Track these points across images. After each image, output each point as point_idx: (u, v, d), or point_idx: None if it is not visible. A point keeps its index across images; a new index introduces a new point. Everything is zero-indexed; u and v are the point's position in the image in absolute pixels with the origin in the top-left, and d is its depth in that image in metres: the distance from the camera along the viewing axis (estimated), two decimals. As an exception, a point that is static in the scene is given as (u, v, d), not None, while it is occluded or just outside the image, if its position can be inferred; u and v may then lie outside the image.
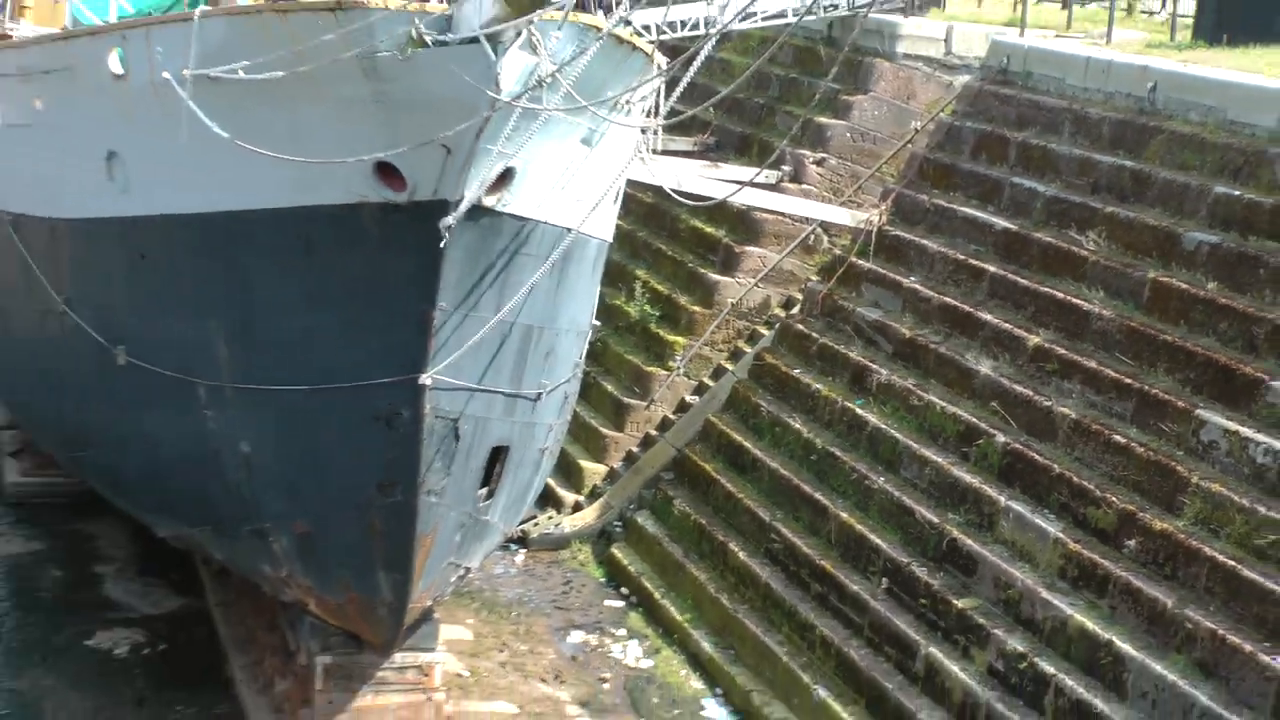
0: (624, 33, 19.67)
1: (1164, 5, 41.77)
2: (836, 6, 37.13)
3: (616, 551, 34.01)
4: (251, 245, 21.80)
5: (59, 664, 29.05)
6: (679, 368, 36.00)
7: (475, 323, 20.74)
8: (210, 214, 22.27)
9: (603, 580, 33.63)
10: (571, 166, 20.73)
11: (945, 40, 36.86)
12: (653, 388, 36.06)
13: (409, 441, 21.09)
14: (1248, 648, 20.88)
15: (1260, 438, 23.28)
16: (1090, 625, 23.07)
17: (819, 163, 36.77)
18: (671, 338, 36.55)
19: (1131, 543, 23.73)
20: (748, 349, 35.39)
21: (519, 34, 17.85)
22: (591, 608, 32.37)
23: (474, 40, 17.90)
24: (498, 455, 22.87)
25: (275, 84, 19.55)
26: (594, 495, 35.48)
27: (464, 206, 19.46)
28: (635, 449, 35.70)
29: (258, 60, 19.56)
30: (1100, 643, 22.73)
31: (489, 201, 19.84)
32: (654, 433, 35.74)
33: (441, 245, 19.62)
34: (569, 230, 21.50)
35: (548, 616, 31.76)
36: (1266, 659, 20.61)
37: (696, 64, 18.56)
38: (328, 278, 21.17)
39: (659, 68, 20.62)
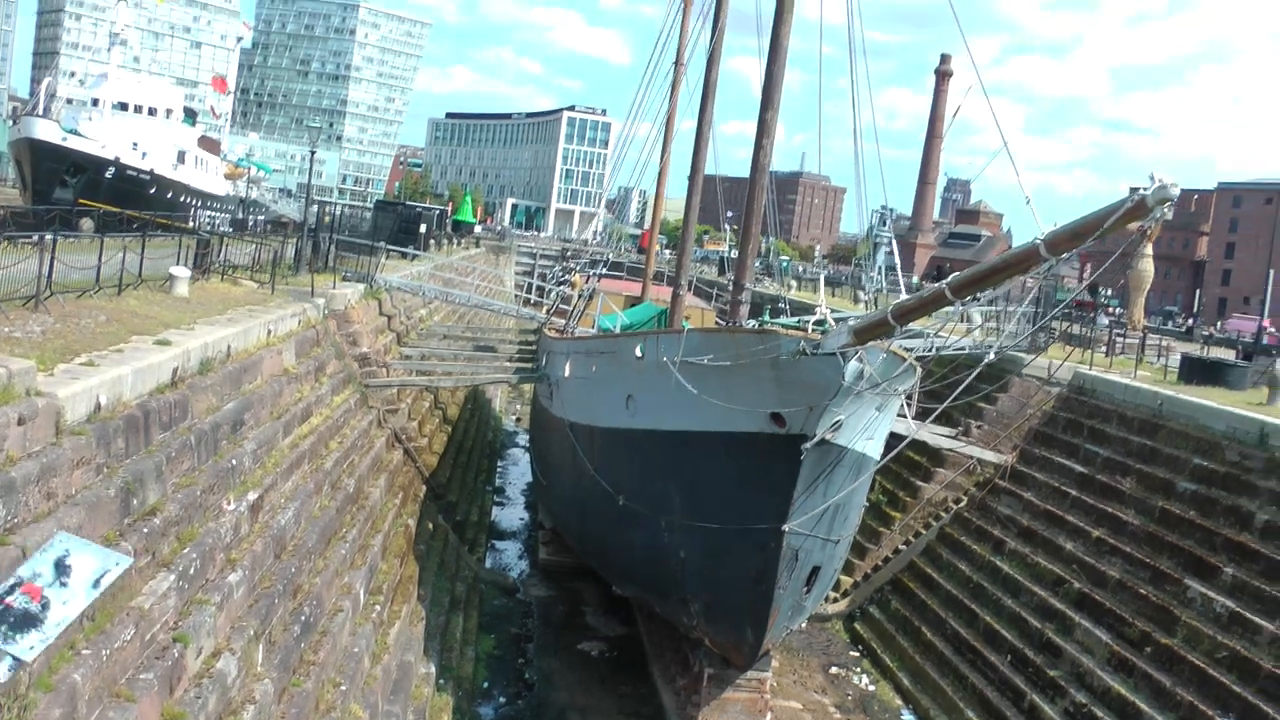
0: (904, 353, 19.71)
1: (1160, 358, 41.50)
2: (991, 347, 37.15)
3: (857, 626, 33.12)
4: (701, 448, 21.87)
5: (562, 656, 29.08)
6: (896, 530, 35.45)
7: (813, 499, 20.47)
8: (680, 430, 22.44)
9: (848, 640, 32.89)
10: (869, 420, 20.27)
11: (1048, 369, 36.92)
12: (882, 539, 35.45)
13: (773, 559, 20.75)
14: (1211, 712, 21.33)
15: (1219, 597, 23.69)
16: (1124, 691, 23.34)
17: (979, 428, 36.43)
18: (894, 514, 36.12)
19: (1148, 648, 23.93)
20: (934, 524, 34.86)
21: (856, 353, 18.28)
22: (841, 655, 31.77)
23: (832, 354, 18.37)
24: (814, 570, 22.06)
25: (723, 368, 20.15)
26: (845, 594, 34.69)
27: (816, 439, 19.53)
28: (870, 571, 35.03)
29: (717, 355, 20.38)
30: (1128, 701, 22.99)
31: (828, 436, 19.58)
32: (880, 563, 35.08)
33: (801, 458, 19.74)
34: (864, 454, 21.10)
35: (818, 657, 31.26)
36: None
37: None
38: (739, 469, 21.05)
39: (918, 372, 20.26)
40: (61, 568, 7.40)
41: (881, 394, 19.61)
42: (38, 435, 13.81)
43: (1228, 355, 44.72)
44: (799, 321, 24.87)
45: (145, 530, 15.01)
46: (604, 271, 39.45)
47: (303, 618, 18.91)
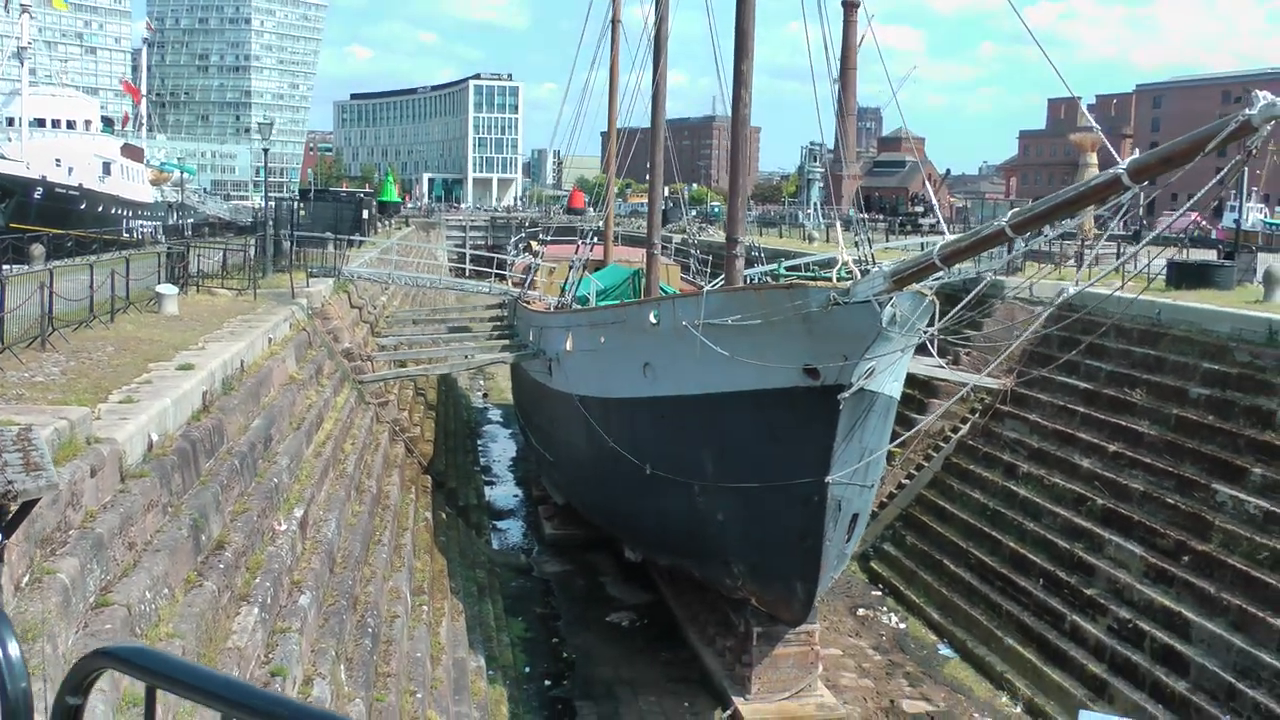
0: (925, 290, 19.17)
1: (1136, 264, 41.49)
2: (975, 272, 37.00)
3: (874, 565, 33.08)
4: (731, 409, 21.63)
5: (594, 630, 28.87)
6: (897, 465, 35.07)
7: (851, 448, 20.44)
8: (707, 394, 22.17)
9: (867, 580, 32.90)
10: (895, 363, 20.25)
11: (1029, 289, 36.92)
12: (885, 475, 34.94)
13: (819, 513, 20.68)
14: (1261, 614, 21.45)
15: (1251, 499, 23.86)
16: (1167, 602, 23.44)
17: (968, 354, 36.71)
18: (893, 449, 34.59)
19: (1185, 557, 24.07)
20: (935, 455, 34.90)
21: (890, 298, 18.20)
22: (864, 596, 31.82)
23: (866, 301, 18.31)
24: (854, 518, 22.07)
25: (750, 326, 20.13)
26: (855, 534, 34.73)
27: (854, 388, 19.44)
28: (876, 508, 33.07)
29: (743, 315, 20.31)
30: (1173, 611, 23.11)
31: (863, 384, 19.52)
32: (885, 499, 34.61)
33: (839, 408, 19.68)
34: (892, 396, 21.32)
35: (842, 600, 31.17)
36: (1273, 620, 21.20)
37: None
38: (775, 426, 20.88)
39: (936, 306, 19.75)
40: None
41: (910, 335, 19.56)
42: (107, 484, 13.38)
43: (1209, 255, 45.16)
44: (813, 270, 24.63)
45: (220, 566, 14.66)
46: (594, 240, 38.72)
47: (369, 630, 18.63)
